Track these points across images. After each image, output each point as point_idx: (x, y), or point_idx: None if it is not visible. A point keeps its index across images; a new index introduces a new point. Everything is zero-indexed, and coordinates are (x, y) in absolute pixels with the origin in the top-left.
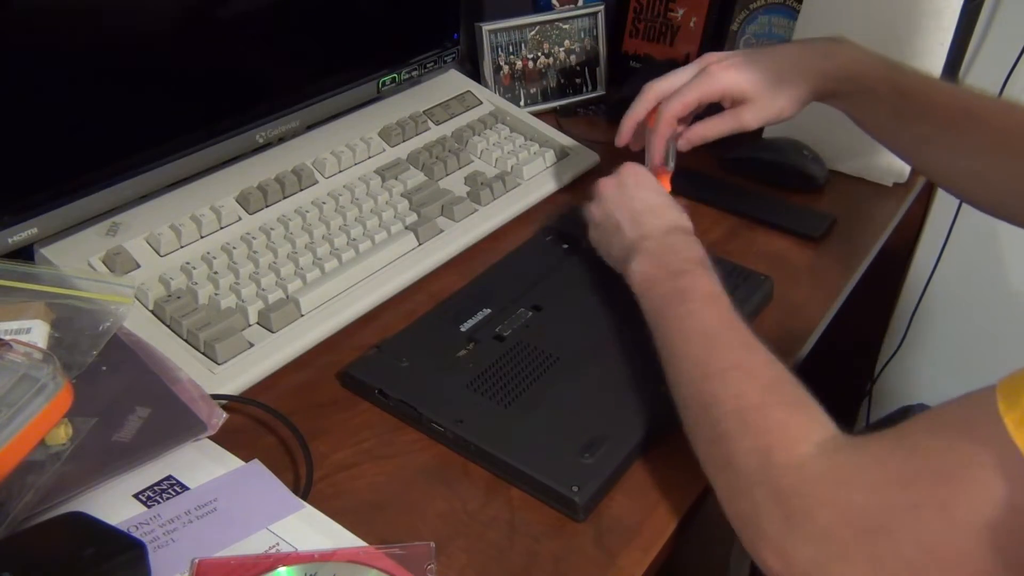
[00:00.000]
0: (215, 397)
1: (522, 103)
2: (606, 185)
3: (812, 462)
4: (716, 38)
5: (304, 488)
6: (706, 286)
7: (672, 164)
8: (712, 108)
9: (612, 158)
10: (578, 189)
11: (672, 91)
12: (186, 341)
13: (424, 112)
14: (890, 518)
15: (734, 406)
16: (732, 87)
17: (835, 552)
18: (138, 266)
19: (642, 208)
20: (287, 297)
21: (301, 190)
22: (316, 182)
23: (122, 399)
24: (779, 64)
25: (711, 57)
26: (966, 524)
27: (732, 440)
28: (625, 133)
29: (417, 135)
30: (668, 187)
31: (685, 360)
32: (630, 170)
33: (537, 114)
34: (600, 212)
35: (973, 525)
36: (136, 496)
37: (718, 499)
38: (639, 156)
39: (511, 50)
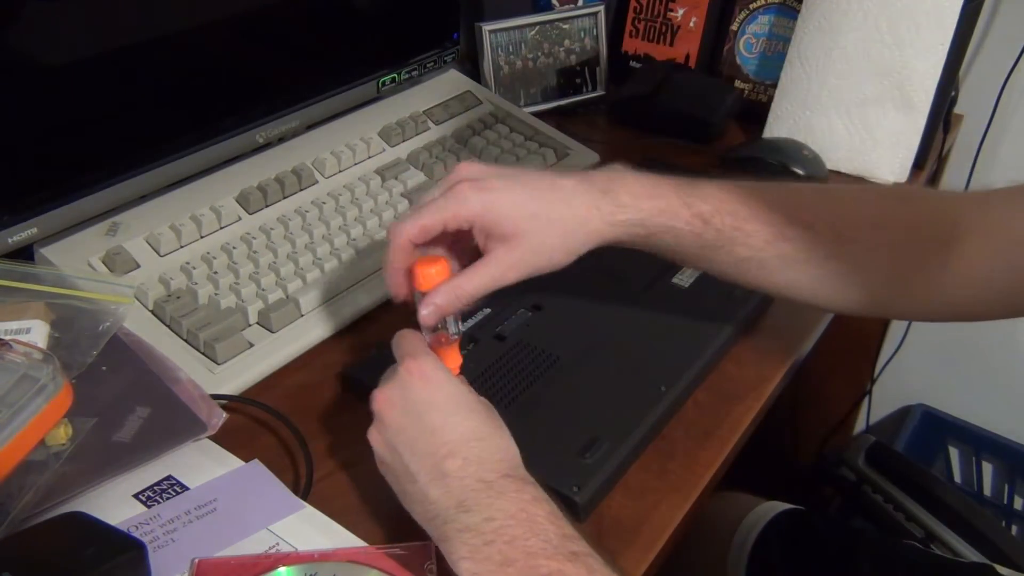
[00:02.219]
0: (215, 397)
1: (522, 103)
2: (385, 403)
3: None
4: (716, 38)
5: (304, 488)
6: None
7: (457, 328)
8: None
9: (612, 158)
10: None
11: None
12: (186, 341)
13: (424, 112)
14: None
15: None
16: (486, 215)
17: None
18: (138, 266)
19: (442, 445)
20: (287, 297)
21: (301, 190)
22: (316, 182)
23: (122, 399)
24: (550, 194)
25: (463, 170)
26: None
27: None
28: (396, 287)
29: (417, 135)
30: (457, 361)
31: None
32: (415, 372)
33: (537, 114)
34: (384, 449)
35: None
36: (136, 496)
37: None
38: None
39: (511, 50)
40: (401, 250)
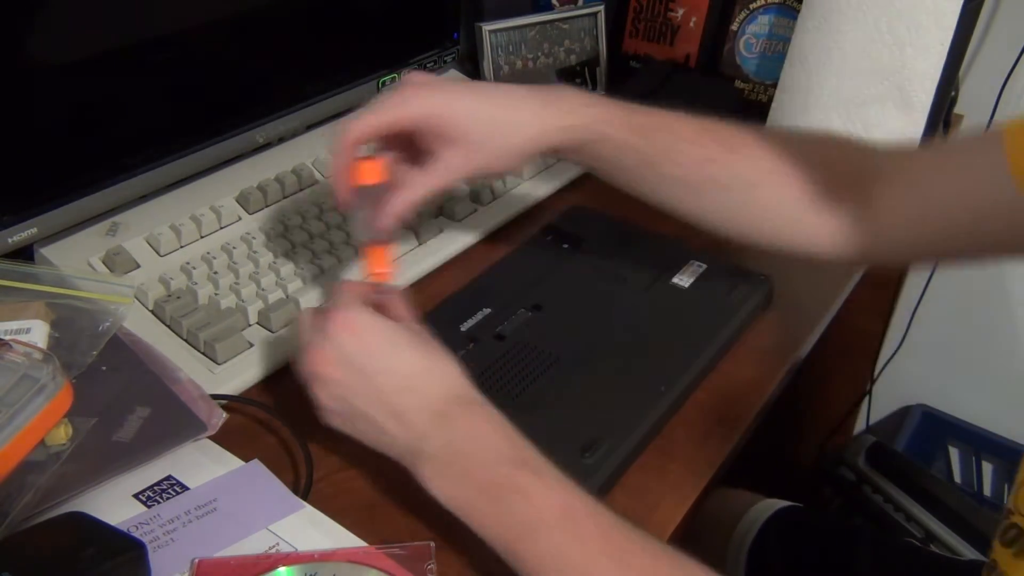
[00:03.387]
0: (215, 397)
1: None
2: (321, 361)
3: None
4: (716, 38)
5: (304, 488)
6: (551, 501)
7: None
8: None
9: None
10: (578, 189)
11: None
12: (186, 341)
13: None
14: None
15: None
16: (432, 114)
17: None
18: (138, 266)
19: (392, 387)
20: (287, 297)
21: (301, 190)
22: (316, 182)
23: (122, 399)
24: (494, 97)
25: (413, 76)
26: None
27: None
28: (343, 187)
29: None
30: (387, 267)
31: None
32: (342, 326)
33: None
34: (332, 401)
35: None
36: (136, 496)
37: None
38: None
39: (511, 50)
40: (348, 149)
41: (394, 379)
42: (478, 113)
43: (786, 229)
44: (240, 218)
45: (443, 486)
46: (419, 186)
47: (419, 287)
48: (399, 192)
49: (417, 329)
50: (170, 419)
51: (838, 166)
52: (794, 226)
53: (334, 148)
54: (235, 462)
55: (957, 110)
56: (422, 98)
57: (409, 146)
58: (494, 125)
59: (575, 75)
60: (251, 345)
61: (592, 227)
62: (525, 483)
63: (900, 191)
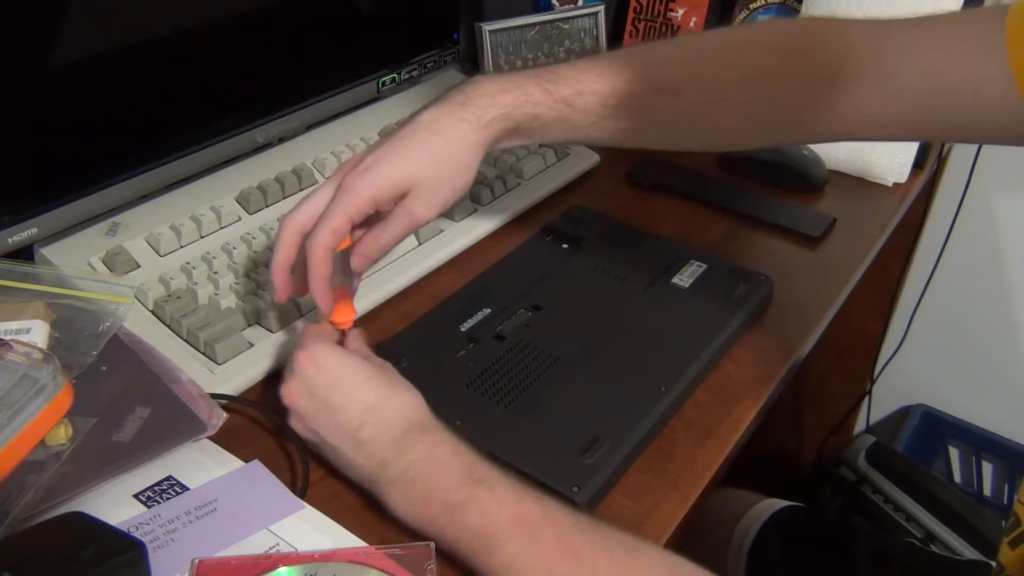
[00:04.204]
0: (215, 397)
1: None
2: (293, 395)
3: None
4: None
5: (301, 488)
6: (507, 514)
7: (353, 282)
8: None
9: (612, 158)
10: (578, 189)
11: (312, 220)
12: (186, 341)
13: None
14: None
15: None
16: (382, 190)
17: None
18: (138, 266)
19: (352, 418)
20: None
21: (301, 190)
22: (316, 182)
23: (122, 399)
24: (422, 137)
25: (346, 166)
26: None
27: None
28: (280, 287)
29: None
30: (352, 314)
31: None
32: (309, 362)
33: None
34: (307, 431)
35: None
36: (136, 496)
37: None
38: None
39: (511, 50)
40: (294, 248)
41: (355, 412)
42: (416, 163)
43: (748, 141)
44: (240, 218)
45: (406, 509)
46: (387, 234)
47: (419, 287)
48: (368, 238)
49: (379, 362)
50: (170, 419)
51: (793, 74)
52: (755, 138)
53: (281, 244)
54: (235, 462)
55: None
56: (365, 182)
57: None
58: (436, 163)
59: None
60: (251, 345)
61: (592, 227)
62: (480, 499)
63: (868, 89)
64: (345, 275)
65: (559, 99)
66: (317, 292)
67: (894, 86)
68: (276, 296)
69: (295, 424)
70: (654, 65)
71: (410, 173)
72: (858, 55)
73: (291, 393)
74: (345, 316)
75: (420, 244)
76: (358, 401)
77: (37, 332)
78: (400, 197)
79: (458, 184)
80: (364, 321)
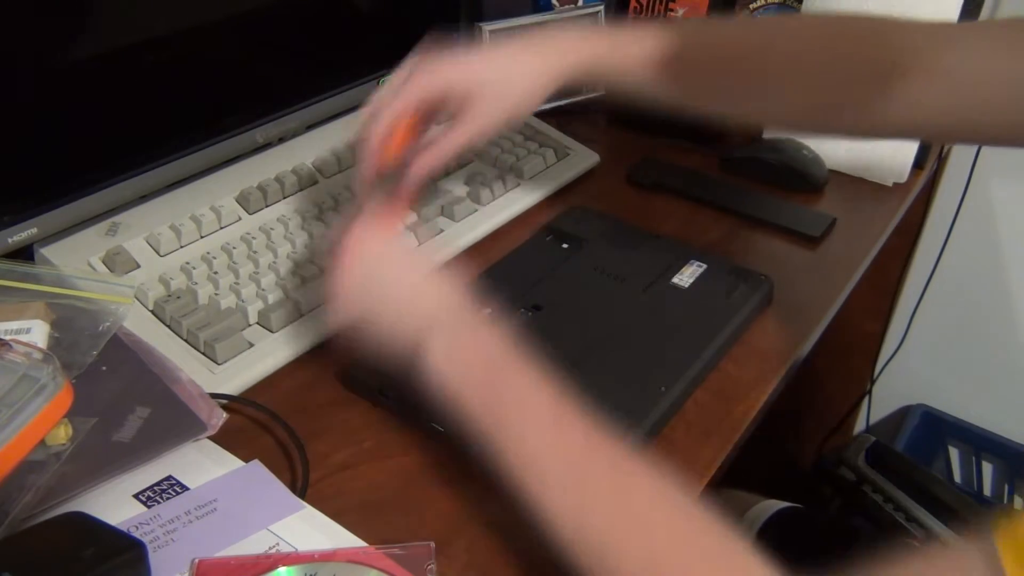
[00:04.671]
0: (215, 397)
1: None
2: (341, 275)
3: None
4: None
5: (300, 488)
6: (537, 397)
7: (411, 187)
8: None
9: (612, 158)
10: (578, 189)
11: (387, 102)
12: (186, 341)
13: None
14: None
15: (642, 561)
16: (451, 86)
17: None
18: (138, 266)
19: (400, 289)
20: (287, 297)
21: (301, 190)
22: (316, 182)
23: (122, 399)
24: (497, 56)
25: (426, 56)
26: None
27: None
28: (378, 156)
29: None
30: (405, 212)
31: (551, 501)
32: (354, 248)
33: (537, 114)
34: (349, 313)
35: None
36: (136, 496)
37: None
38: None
39: None
40: (382, 132)
41: (405, 284)
42: (491, 74)
43: (791, 121)
44: (240, 218)
45: (447, 369)
46: (448, 142)
47: None
48: (429, 149)
49: (422, 252)
50: (170, 419)
51: (850, 67)
52: (811, 123)
53: (375, 121)
54: (235, 462)
55: None
56: (441, 74)
57: (427, 119)
58: (507, 82)
59: None
60: (251, 345)
61: (592, 227)
62: (507, 377)
63: (925, 85)
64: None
65: (629, 56)
66: (376, 147)
67: (950, 83)
68: (361, 173)
69: (337, 312)
70: (724, 35)
71: (480, 75)
72: (917, 51)
73: (340, 273)
74: (401, 212)
75: (420, 244)
76: (406, 276)
77: (37, 332)
78: (462, 103)
79: (522, 103)
80: None
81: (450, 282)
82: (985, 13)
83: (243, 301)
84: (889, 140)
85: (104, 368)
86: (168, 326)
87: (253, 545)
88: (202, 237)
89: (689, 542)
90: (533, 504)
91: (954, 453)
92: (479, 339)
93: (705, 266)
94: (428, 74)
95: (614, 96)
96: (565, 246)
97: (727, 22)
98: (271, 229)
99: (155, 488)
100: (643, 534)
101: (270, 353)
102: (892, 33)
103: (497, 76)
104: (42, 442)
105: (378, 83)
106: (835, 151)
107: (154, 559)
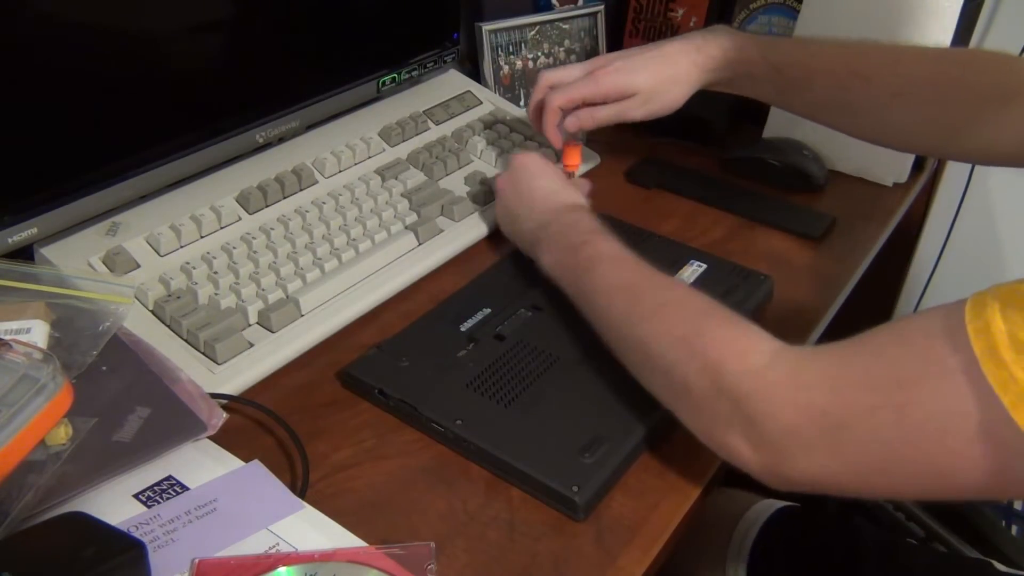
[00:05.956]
0: (215, 397)
1: (522, 103)
2: (502, 181)
3: (768, 369)
4: None
5: (300, 488)
6: (608, 250)
7: (580, 136)
8: None
9: (612, 158)
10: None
11: (561, 82)
12: (186, 341)
13: (424, 112)
14: (850, 417)
15: (676, 335)
16: (616, 90)
17: (799, 444)
18: (138, 266)
19: (534, 197)
20: (287, 297)
21: (301, 190)
22: (316, 182)
23: (122, 399)
24: (659, 63)
25: (598, 61)
26: (921, 427)
27: (681, 366)
28: (534, 120)
29: (417, 135)
30: (578, 160)
31: (613, 316)
32: (519, 162)
33: None
34: (500, 208)
35: (927, 429)
36: (136, 496)
37: (683, 422)
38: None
39: (511, 50)
40: (543, 94)
41: (536, 192)
42: (652, 81)
43: (917, 144)
44: (240, 218)
45: (550, 252)
46: (604, 111)
47: (419, 287)
48: (586, 111)
49: (564, 174)
50: (170, 419)
51: (973, 85)
52: (924, 142)
53: (551, 103)
54: (235, 462)
55: None
56: (607, 79)
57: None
58: (661, 83)
59: None
60: (251, 345)
61: None
62: (597, 241)
63: None
64: (573, 133)
65: (772, 65)
66: (548, 133)
67: None
68: (534, 125)
69: (497, 206)
70: (855, 53)
71: (640, 85)
72: None
73: (502, 179)
74: (572, 160)
75: (420, 244)
76: (545, 186)
77: (37, 332)
78: (625, 97)
79: (669, 104)
80: (365, 320)
81: (570, 192)
82: (985, 14)
83: (243, 301)
84: (1002, 166)
85: (104, 368)
86: (168, 326)
87: (253, 545)
88: (202, 237)
89: (708, 312)
90: (607, 322)
91: None
92: (568, 231)
93: (705, 266)
94: (595, 85)
95: (751, 99)
96: None
97: (857, 40)
98: (271, 229)
99: (155, 488)
100: (673, 313)
101: (270, 353)
102: (1013, 62)
103: (648, 87)
104: (42, 442)
105: (378, 84)
106: (835, 151)
107: (154, 559)
